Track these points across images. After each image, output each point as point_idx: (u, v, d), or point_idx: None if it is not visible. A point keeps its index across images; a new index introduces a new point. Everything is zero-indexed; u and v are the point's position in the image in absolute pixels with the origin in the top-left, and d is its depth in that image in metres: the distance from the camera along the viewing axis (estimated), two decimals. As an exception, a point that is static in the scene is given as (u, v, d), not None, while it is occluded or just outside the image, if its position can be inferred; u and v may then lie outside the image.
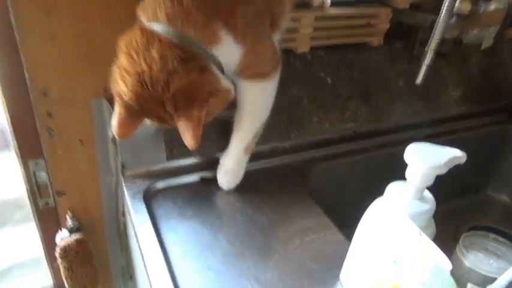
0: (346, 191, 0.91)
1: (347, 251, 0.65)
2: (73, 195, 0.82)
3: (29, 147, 0.79)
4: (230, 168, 0.75)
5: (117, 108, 0.57)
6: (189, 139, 0.55)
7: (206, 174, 0.80)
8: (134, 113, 0.57)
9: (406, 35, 0.94)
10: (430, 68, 0.78)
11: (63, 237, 0.82)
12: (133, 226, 0.68)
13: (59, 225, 0.85)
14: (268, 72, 0.66)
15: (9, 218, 1.01)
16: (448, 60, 1.01)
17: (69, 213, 0.84)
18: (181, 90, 0.54)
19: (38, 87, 0.69)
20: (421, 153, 0.49)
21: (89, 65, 0.70)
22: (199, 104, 0.55)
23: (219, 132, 0.78)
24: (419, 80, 0.76)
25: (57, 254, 0.82)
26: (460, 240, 0.62)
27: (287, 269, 0.64)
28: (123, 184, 0.75)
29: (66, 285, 0.84)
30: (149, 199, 0.73)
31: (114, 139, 0.75)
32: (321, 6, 0.82)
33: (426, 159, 0.48)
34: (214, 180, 0.78)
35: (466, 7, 0.78)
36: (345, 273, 0.62)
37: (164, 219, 0.70)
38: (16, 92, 0.69)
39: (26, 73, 0.67)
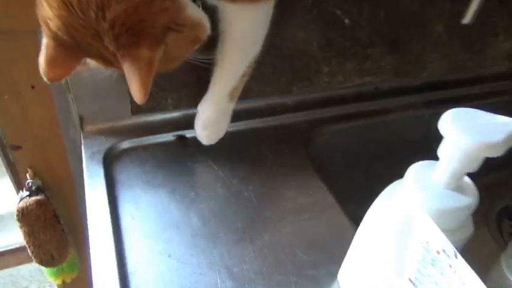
0: (358, 163, 0.75)
1: (350, 239, 0.51)
2: (31, 150, 0.70)
3: None
4: (211, 119, 0.59)
5: (45, 40, 0.42)
6: (135, 89, 0.40)
7: (183, 132, 0.65)
8: (67, 48, 0.41)
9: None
10: (479, 8, 0.58)
11: (21, 198, 0.71)
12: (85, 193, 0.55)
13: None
14: None
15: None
16: (502, 1, 0.80)
17: (29, 171, 0.72)
18: (122, 19, 0.38)
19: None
20: (465, 123, 0.33)
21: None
22: (150, 41, 0.39)
23: (200, 80, 0.62)
24: (467, 19, 0.57)
25: (15, 217, 0.71)
26: (509, 249, 0.46)
27: (271, 260, 0.50)
28: (82, 142, 0.62)
29: (28, 251, 0.74)
30: (111, 161, 0.60)
31: (67, 84, 0.60)
32: None
33: (474, 133, 0.31)
34: (193, 139, 0.63)
35: None
36: (344, 273, 0.48)
37: (125, 186, 0.57)
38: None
39: None
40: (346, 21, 0.69)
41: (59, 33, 0.40)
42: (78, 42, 0.41)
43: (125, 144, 0.62)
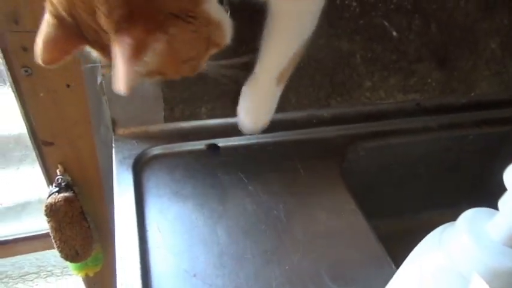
0: (396, 185, 0.71)
1: (383, 270, 0.48)
2: (62, 146, 0.69)
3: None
4: (256, 103, 0.54)
5: (46, 17, 0.39)
6: (118, 75, 0.34)
7: (215, 141, 0.63)
8: (68, 29, 0.38)
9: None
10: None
11: (50, 193, 0.71)
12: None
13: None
14: None
15: (10, 156, 0.92)
16: None
17: (59, 167, 0.72)
18: None
19: (7, 13, 0.53)
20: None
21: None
22: (148, 22, 0.35)
23: (237, 91, 0.59)
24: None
25: (43, 212, 0.71)
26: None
27: (298, 287, 0.48)
28: (113, 145, 0.61)
29: (54, 246, 0.74)
30: (141, 167, 0.59)
31: (101, 86, 0.59)
32: None
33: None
34: (224, 149, 0.61)
35: None
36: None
37: (154, 195, 0.56)
38: None
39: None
40: (394, 33, 0.65)
41: (61, 10, 0.37)
42: (78, 23, 0.37)
43: (156, 150, 0.61)
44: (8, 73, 0.59)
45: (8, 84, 0.65)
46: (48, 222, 0.72)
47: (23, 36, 0.56)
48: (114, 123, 0.60)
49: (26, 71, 0.59)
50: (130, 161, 0.59)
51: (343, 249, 0.53)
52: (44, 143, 0.68)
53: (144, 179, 0.57)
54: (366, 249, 0.53)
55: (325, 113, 0.70)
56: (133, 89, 0.34)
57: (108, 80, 0.56)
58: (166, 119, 0.59)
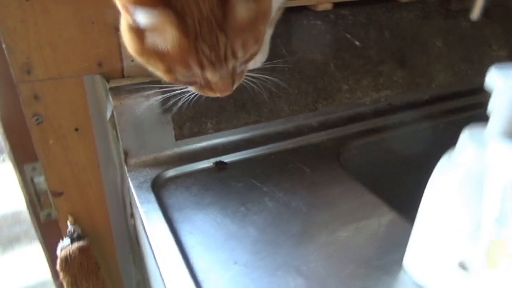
0: (390, 170, 0.77)
1: (404, 231, 0.51)
2: (72, 195, 0.70)
3: (24, 149, 0.68)
4: None
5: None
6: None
7: (222, 158, 0.67)
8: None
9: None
10: (485, 5, 0.65)
11: (63, 247, 0.70)
12: (141, 219, 0.56)
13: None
14: None
15: (7, 236, 0.90)
16: (489, 17, 0.88)
17: (69, 218, 0.72)
18: None
19: (20, 63, 0.58)
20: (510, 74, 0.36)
21: (80, 32, 0.59)
22: None
23: (237, 104, 0.66)
24: (475, 15, 0.63)
25: (58, 268, 0.70)
26: None
27: (335, 256, 0.50)
28: (127, 175, 0.63)
29: (70, 303, 0.71)
30: (158, 189, 0.61)
31: (112, 120, 0.63)
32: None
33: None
34: (231, 164, 0.66)
35: None
36: (410, 257, 0.48)
37: (176, 209, 0.58)
38: (3, 84, 0.60)
39: (3, 46, 0.57)
40: (357, 43, 0.76)
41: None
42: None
43: (169, 173, 0.64)
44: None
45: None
46: (63, 278, 0.70)
47: (35, 85, 0.60)
48: (126, 154, 0.64)
49: (37, 119, 0.63)
50: (148, 185, 0.61)
51: (365, 223, 0.56)
52: (54, 193, 0.69)
53: (164, 198, 0.60)
54: (383, 218, 0.57)
55: (313, 121, 0.77)
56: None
57: (120, 111, 0.61)
58: (177, 138, 0.63)
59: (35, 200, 0.77)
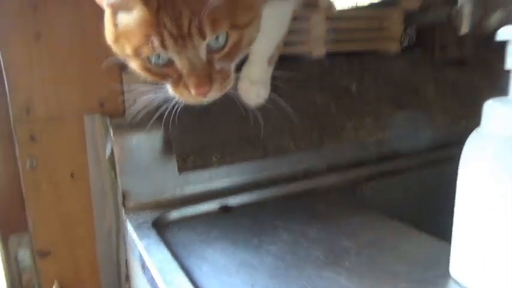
0: (410, 206, 0.73)
1: (440, 249, 0.45)
2: (60, 255, 0.63)
3: (10, 220, 0.63)
4: (256, 76, 0.61)
5: None
6: None
7: (227, 200, 0.62)
8: None
9: (423, 42, 0.88)
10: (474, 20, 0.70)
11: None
12: (144, 263, 0.49)
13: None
14: None
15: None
16: (469, 66, 0.93)
17: (55, 285, 0.63)
18: None
19: (20, 101, 0.57)
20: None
21: (82, 72, 0.60)
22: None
23: (241, 138, 0.63)
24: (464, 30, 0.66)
25: None
26: None
27: (369, 275, 0.43)
28: (125, 219, 0.58)
29: None
30: (160, 228, 0.55)
31: (111, 159, 0.60)
32: (329, 8, 0.77)
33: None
34: (237, 208, 0.61)
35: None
36: (455, 263, 0.42)
37: (181, 246, 0.51)
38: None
39: (6, 83, 0.56)
40: (354, 87, 0.78)
41: None
42: None
43: (171, 216, 0.59)
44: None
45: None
46: None
47: (33, 126, 0.58)
48: (124, 196, 0.59)
49: (31, 163, 0.59)
50: (148, 224, 0.55)
51: (391, 246, 0.50)
52: (40, 253, 0.62)
53: (167, 237, 0.53)
54: (414, 239, 0.51)
55: (321, 164, 0.74)
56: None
57: (121, 146, 0.58)
58: (180, 170, 0.59)
59: (16, 281, 0.68)
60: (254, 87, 0.64)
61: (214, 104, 0.63)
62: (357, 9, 0.84)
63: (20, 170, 0.59)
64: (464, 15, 0.76)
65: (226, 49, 0.45)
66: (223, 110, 0.63)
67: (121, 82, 0.62)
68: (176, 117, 0.60)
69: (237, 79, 0.60)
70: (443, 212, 0.46)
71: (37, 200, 0.60)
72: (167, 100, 0.50)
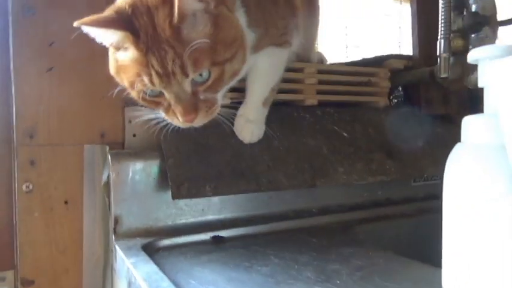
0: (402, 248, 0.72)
1: (432, 273, 0.45)
2: (43, 286, 0.61)
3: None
4: (252, 118, 0.66)
5: None
6: None
7: (219, 233, 0.62)
8: None
9: (410, 99, 0.95)
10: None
11: None
12: (131, 279, 0.47)
13: None
14: (282, 42, 0.66)
15: None
16: (455, 123, 0.98)
17: (33, 321, 0.60)
18: None
19: (25, 127, 0.60)
20: None
21: (88, 105, 0.63)
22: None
23: (235, 171, 0.65)
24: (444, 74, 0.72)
25: None
26: None
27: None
28: (115, 243, 0.57)
29: None
30: (150, 251, 0.54)
31: (106, 186, 0.61)
32: (321, 62, 0.84)
33: None
34: (230, 239, 0.61)
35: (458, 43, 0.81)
36: (447, 276, 0.41)
37: (169, 265, 0.50)
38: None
39: (14, 109, 0.59)
40: (345, 134, 0.82)
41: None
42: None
43: (162, 243, 0.58)
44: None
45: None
46: None
47: (34, 150, 0.60)
48: (116, 221, 0.59)
49: (27, 187, 0.60)
50: (138, 247, 0.54)
51: (382, 268, 0.49)
52: (23, 282, 0.59)
53: (156, 259, 0.52)
54: (405, 264, 0.50)
55: (313, 208, 0.75)
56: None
57: (117, 172, 0.60)
58: (174, 197, 0.59)
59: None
60: (249, 125, 0.68)
61: (211, 137, 0.67)
62: (347, 65, 0.91)
63: (16, 194, 0.60)
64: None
65: (209, 82, 0.51)
66: (220, 143, 0.66)
67: (123, 116, 0.66)
68: (174, 147, 0.63)
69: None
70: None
71: (27, 226, 0.60)
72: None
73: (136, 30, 0.46)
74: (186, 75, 0.48)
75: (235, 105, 0.65)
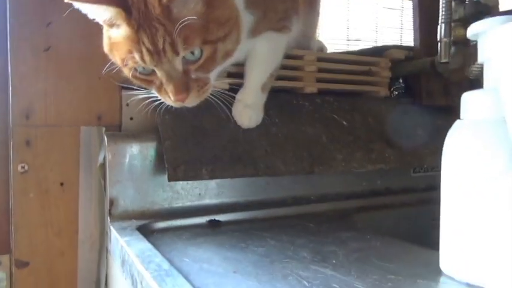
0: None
1: (430, 255, 0.45)
2: (38, 268, 0.60)
3: None
4: (250, 100, 0.66)
5: None
6: None
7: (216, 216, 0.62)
8: None
9: (411, 90, 0.94)
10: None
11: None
12: (124, 258, 0.47)
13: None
14: (281, 27, 0.65)
15: None
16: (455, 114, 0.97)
17: (28, 301, 0.60)
18: None
19: (21, 107, 0.59)
20: None
21: (85, 86, 0.63)
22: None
23: (232, 155, 0.65)
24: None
25: None
26: None
27: (357, 267, 0.42)
28: (110, 224, 0.56)
29: None
30: (145, 232, 0.54)
31: (102, 168, 0.60)
32: (321, 50, 0.83)
33: None
34: (227, 223, 0.60)
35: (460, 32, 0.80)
36: (445, 256, 0.40)
37: (164, 245, 0.49)
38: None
39: (10, 89, 0.59)
40: (344, 123, 0.81)
41: None
42: None
43: (157, 225, 0.57)
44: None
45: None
46: None
47: (30, 131, 0.60)
48: (111, 203, 0.58)
49: (23, 168, 0.59)
50: (133, 228, 0.54)
51: (379, 250, 0.49)
52: (17, 263, 0.59)
53: (151, 239, 0.52)
54: (402, 245, 0.50)
55: (311, 195, 0.74)
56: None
57: (113, 153, 0.59)
58: (170, 179, 0.58)
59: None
60: (247, 110, 0.67)
61: (209, 121, 0.66)
62: (347, 54, 0.90)
63: (11, 175, 0.59)
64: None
65: (201, 61, 0.51)
66: (217, 127, 0.65)
67: (120, 99, 0.65)
68: (171, 130, 0.62)
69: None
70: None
71: (23, 207, 0.59)
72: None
73: (129, 7, 0.46)
74: (177, 53, 0.47)
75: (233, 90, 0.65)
